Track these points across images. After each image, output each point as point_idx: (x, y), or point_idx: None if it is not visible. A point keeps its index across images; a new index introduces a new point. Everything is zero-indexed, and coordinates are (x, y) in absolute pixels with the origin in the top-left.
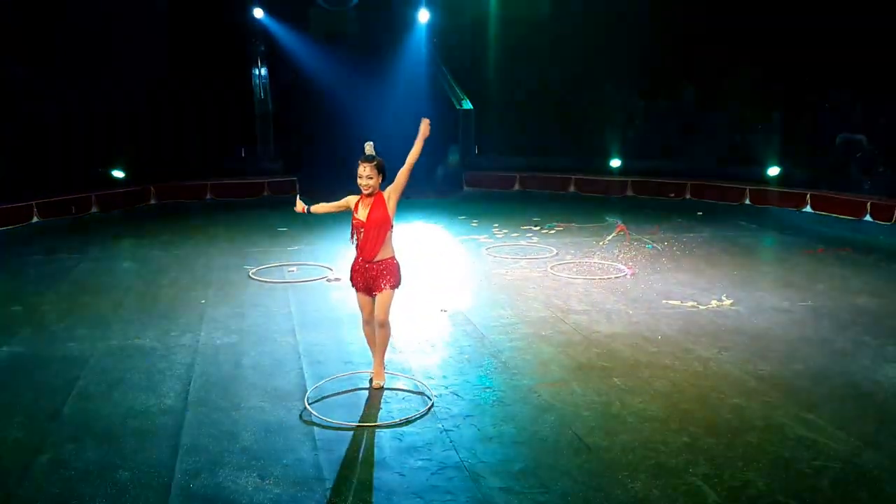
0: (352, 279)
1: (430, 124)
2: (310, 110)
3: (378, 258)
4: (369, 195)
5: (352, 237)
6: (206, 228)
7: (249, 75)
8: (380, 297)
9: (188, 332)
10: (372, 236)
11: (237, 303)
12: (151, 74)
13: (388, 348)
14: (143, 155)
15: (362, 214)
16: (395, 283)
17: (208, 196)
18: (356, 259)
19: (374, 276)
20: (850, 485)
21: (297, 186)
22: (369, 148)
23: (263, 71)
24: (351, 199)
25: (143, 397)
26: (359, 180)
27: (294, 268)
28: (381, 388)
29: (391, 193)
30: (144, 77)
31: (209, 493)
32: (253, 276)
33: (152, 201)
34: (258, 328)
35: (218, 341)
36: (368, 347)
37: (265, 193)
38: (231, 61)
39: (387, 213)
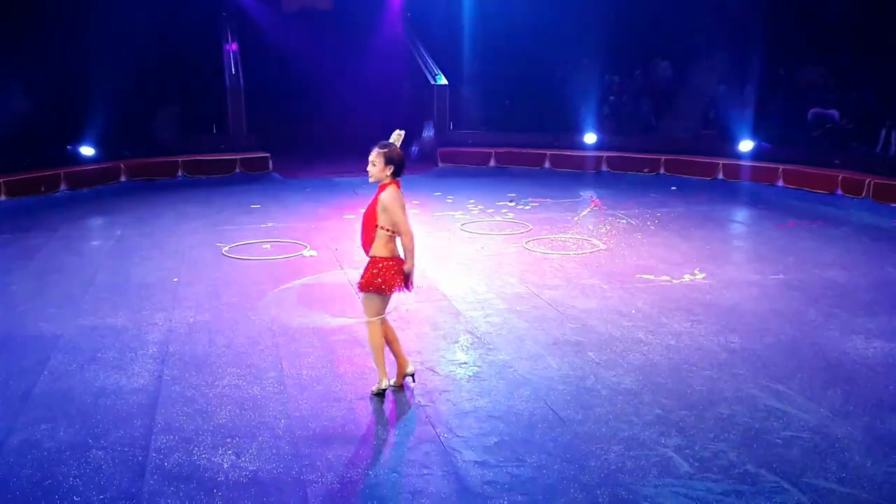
0: (396, 284)
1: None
2: (283, 86)
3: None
4: (374, 183)
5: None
6: (179, 206)
7: (221, 50)
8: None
9: (161, 310)
10: (362, 227)
11: (210, 280)
12: (121, 49)
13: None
14: (113, 132)
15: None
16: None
17: (180, 173)
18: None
19: None
20: (819, 454)
21: (271, 163)
22: (397, 136)
23: (235, 46)
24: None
25: (115, 376)
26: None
27: (268, 244)
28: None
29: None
30: (114, 52)
31: (184, 471)
32: (226, 254)
33: (123, 179)
34: (232, 306)
35: (191, 319)
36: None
37: (238, 170)
38: (202, 35)
39: (376, 208)
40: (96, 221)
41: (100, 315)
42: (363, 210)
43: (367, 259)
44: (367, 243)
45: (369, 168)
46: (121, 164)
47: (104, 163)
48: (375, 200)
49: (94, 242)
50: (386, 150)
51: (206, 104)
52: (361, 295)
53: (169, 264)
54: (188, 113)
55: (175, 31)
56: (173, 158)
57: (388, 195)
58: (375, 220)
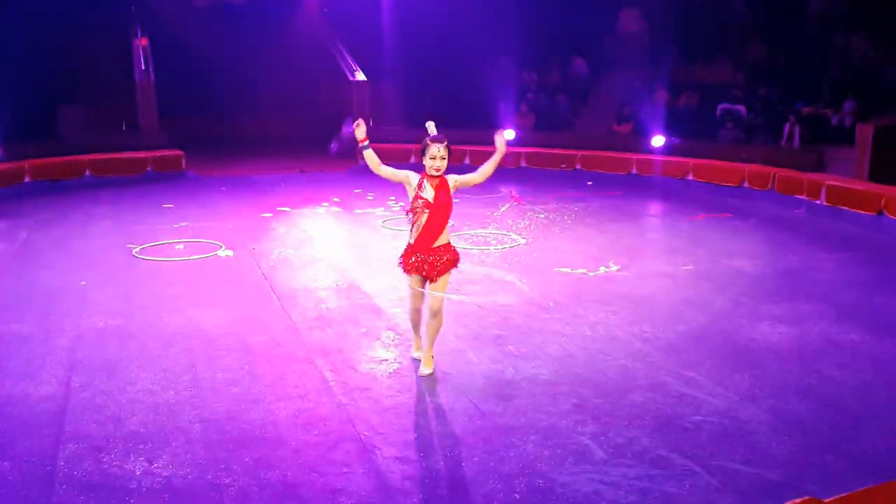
0: (407, 264)
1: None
2: (196, 82)
3: (438, 243)
4: (436, 176)
5: (412, 216)
6: (86, 207)
7: (130, 45)
8: (438, 284)
9: (69, 315)
10: (437, 220)
11: (121, 283)
12: (24, 44)
13: (285, 325)
14: (15, 131)
15: (429, 195)
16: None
17: (87, 173)
18: (412, 244)
19: (434, 261)
20: (727, 437)
21: (184, 161)
22: (433, 127)
23: (145, 41)
24: (412, 176)
25: (22, 385)
26: (431, 161)
27: (181, 245)
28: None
29: (456, 184)
30: (16, 47)
31: (95, 480)
32: (137, 255)
33: (27, 179)
34: (145, 309)
35: (101, 324)
36: (413, 331)
37: (149, 169)
38: (110, 30)
39: (451, 196)
40: None
41: (4, 322)
42: (424, 203)
43: (435, 248)
44: (438, 234)
45: (440, 163)
46: (24, 164)
47: (6, 163)
48: (447, 192)
49: None
50: (446, 141)
51: (114, 101)
52: (442, 281)
53: (77, 267)
54: (96, 110)
55: (81, 26)
56: (80, 157)
57: (454, 183)
58: (452, 207)
